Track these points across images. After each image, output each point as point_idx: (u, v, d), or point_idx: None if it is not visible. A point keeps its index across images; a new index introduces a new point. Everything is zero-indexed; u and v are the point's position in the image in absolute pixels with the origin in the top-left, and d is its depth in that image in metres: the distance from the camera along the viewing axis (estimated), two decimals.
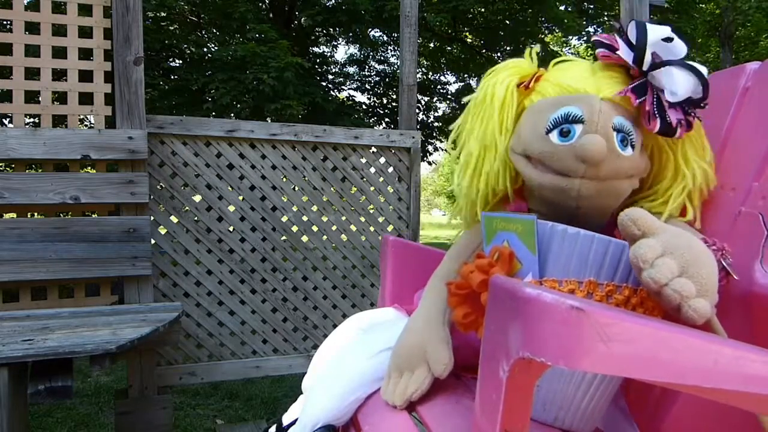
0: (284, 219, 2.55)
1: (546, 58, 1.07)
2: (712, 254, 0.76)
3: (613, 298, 0.79)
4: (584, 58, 1.09)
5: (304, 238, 2.61)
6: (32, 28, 2.10)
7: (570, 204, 0.92)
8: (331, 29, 8.61)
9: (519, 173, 1.02)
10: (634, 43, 0.94)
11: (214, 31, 8.04)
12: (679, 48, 0.94)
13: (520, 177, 1.03)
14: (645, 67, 0.93)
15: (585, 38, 9.61)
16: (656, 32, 0.94)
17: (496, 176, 1.03)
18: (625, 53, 0.96)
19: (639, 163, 0.94)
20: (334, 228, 2.67)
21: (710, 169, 1.00)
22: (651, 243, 0.71)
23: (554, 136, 0.92)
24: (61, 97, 2.20)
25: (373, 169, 2.74)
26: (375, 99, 9.69)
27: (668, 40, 0.94)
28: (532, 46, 1.12)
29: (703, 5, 10.21)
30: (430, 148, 9.54)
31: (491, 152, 1.02)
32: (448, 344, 0.98)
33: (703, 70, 0.92)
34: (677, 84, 0.91)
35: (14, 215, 2.16)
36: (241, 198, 2.49)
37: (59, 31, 2.13)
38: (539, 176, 0.94)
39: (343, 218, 2.68)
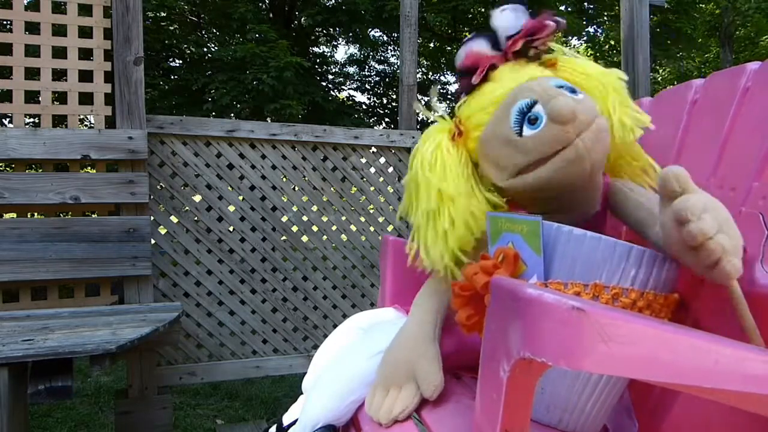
0: (284, 219, 2.55)
1: None
2: None
3: (619, 301, 0.79)
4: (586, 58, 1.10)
5: (304, 238, 2.61)
6: (32, 28, 2.10)
7: (585, 168, 0.91)
8: (331, 29, 8.61)
9: (512, 198, 1.02)
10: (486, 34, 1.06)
11: (214, 31, 8.05)
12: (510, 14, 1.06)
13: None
14: (502, 46, 1.04)
15: (585, 38, 9.61)
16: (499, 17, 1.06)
17: (466, 225, 0.99)
18: (484, 49, 1.05)
19: (592, 101, 0.98)
20: (334, 228, 2.67)
21: (629, 116, 1.02)
22: (696, 198, 0.72)
23: (527, 131, 0.92)
24: (61, 97, 2.20)
25: (373, 169, 2.74)
26: (375, 99, 9.70)
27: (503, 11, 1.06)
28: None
29: (703, 5, 10.21)
30: None
31: (446, 210, 1.00)
32: (439, 362, 0.96)
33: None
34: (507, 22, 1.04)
35: (14, 215, 2.16)
36: (241, 198, 2.49)
37: (59, 31, 2.12)
38: (544, 171, 0.92)
39: (343, 218, 2.68)
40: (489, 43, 1.05)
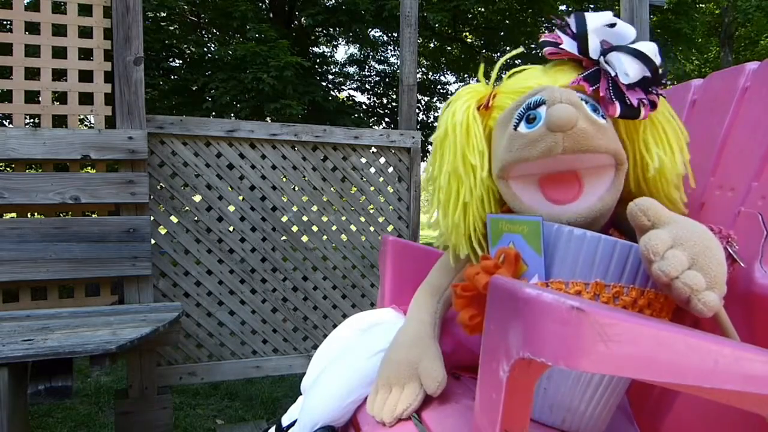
0: (284, 219, 2.55)
1: (546, 60, 1.06)
2: (719, 244, 0.76)
3: (620, 300, 0.79)
4: None
5: (304, 238, 2.60)
6: (32, 28, 2.10)
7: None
8: (331, 29, 8.61)
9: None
10: (575, 33, 0.94)
11: (214, 31, 8.05)
12: (625, 31, 0.94)
13: (500, 202, 1.00)
14: (594, 56, 0.93)
15: None
16: (597, 19, 0.94)
17: (481, 201, 0.98)
18: (568, 45, 0.95)
19: (616, 137, 0.90)
20: (334, 228, 2.67)
21: (674, 157, 0.95)
22: (661, 234, 0.71)
23: (522, 128, 0.89)
24: (61, 97, 2.20)
25: (373, 169, 2.74)
26: (375, 99, 9.70)
27: (611, 25, 0.94)
28: (533, 47, 1.11)
29: (703, 5, 10.20)
30: (430, 148, 9.54)
31: (468, 179, 0.97)
32: (441, 360, 0.96)
33: (651, 49, 0.91)
34: (627, 67, 0.89)
35: (14, 215, 2.15)
36: (241, 198, 2.49)
37: (59, 31, 2.12)
38: (521, 189, 0.91)
39: (343, 218, 2.68)
40: (578, 49, 0.94)
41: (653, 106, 0.90)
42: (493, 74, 1.05)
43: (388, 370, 0.96)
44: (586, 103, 0.88)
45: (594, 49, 0.93)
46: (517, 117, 0.91)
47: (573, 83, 0.91)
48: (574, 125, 0.83)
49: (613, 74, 0.90)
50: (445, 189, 1.00)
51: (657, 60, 0.90)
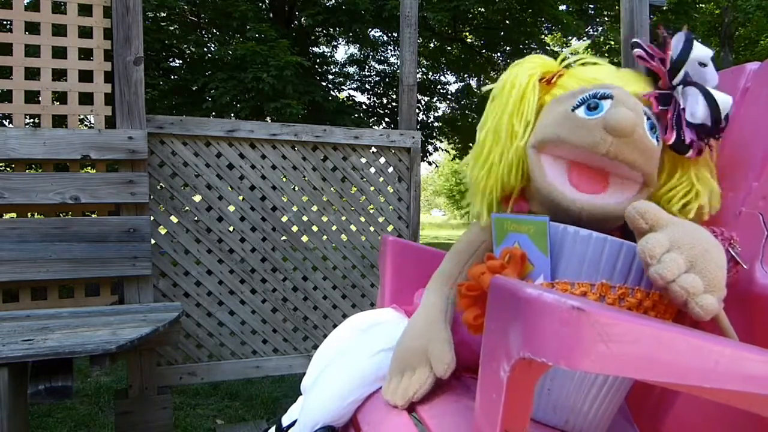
0: (284, 219, 2.55)
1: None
2: (720, 247, 0.76)
3: (625, 301, 0.79)
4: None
5: (304, 238, 2.60)
6: (32, 28, 2.10)
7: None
8: (331, 29, 8.61)
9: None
10: (676, 55, 0.94)
11: (214, 31, 8.05)
12: (711, 76, 0.94)
13: (526, 175, 1.01)
14: (675, 82, 0.94)
15: (585, 39, 9.60)
16: (697, 51, 0.94)
17: (509, 169, 0.99)
18: (659, 66, 0.96)
19: (656, 162, 0.91)
20: (334, 228, 2.67)
21: (717, 193, 0.98)
22: (658, 237, 0.71)
23: (581, 112, 0.89)
24: (61, 97, 2.20)
25: (373, 169, 2.73)
26: (375, 99, 9.69)
27: (703, 65, 0.94)
28: (533, 47, 1.11)
29: (703, 5, 10.20)
30: (430, 148, 9.55)
31: (505, 142, 0.99)
32: (451, 344, 0.97)
33: (725, 102, 0.91)
34: (699, 109, 0.90)
35: (14, 215, 2.15)
36: (241, 198, 2.49)
37: (59, 31, 2.12)
38: (550, 165, 0.92)
39: (343, 218, 2.68)
40: (669, 69, 0.95)
41: (699, 152, 0.91)
42: (561, 56, 1.06)
43: (399, 357, 0.98)
44: (648, 119, 0.89)
45: (679, 76, 0.94)
46: (580, 101, 0.91)
47: (646, 96, 0.92)
48: (629, 136, 0.84)
49: (682, 106, 0.91)
50: (480, 143, 1.03)
51: (724, 114, 0.91)
